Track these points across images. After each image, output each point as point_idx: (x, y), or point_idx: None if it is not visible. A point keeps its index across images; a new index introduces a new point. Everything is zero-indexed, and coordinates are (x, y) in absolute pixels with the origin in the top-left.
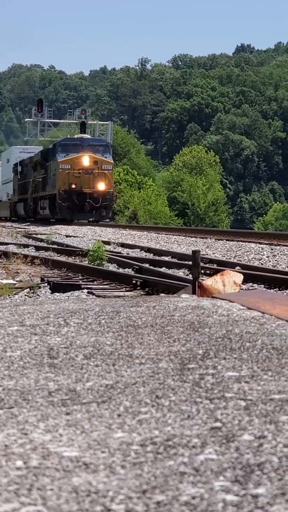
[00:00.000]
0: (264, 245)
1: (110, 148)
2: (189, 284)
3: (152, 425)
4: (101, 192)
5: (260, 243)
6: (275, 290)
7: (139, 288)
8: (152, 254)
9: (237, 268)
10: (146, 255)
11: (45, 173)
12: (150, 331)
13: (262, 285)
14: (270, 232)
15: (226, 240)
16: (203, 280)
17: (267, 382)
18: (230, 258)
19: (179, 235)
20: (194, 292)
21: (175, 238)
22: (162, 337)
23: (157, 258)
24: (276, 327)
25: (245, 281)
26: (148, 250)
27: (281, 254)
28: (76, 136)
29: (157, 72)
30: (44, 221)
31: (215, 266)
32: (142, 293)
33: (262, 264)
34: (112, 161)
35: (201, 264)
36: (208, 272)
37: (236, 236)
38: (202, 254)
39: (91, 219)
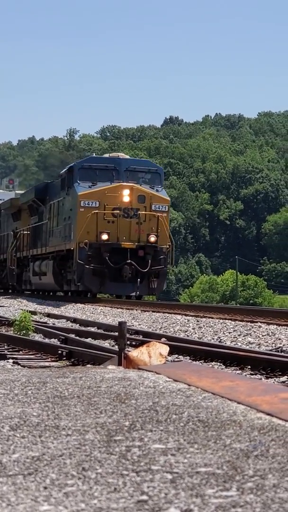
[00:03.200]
0: (190, 317)
1: (162, 177)
2: (115, 355)
3: (79, 497)
4: (151, 248)
5: (186, 314)
6: (200, 362)
7: (65, 358)
8: (78, 325)
9: (163, 339)
10: (72, 326)
11: (40, 220)
12: (76, 402)
13: (188, 357)
14: (196, 304)
15: (152, 311)
16: (129, 351)
17: (193, 455)
18: (156, 330)
19: (105, 306)
20: (120, 363)
21: (101, 309)
22: (89, 408)
23: (83, 328)
24: (202, 399)
25: (171, 353)
26: (74, 320)
27: (206, 326)
28: (106, 155)
29: (85, 143)
30: (36, 294)
31: (141, 337)
32: (68, 363)
33: (187, 336)
34: (168, 198)
35: (127, 335)
36: (134, 343)
37: (162, 308)
38: (128, 325)
39: (132, 294)
